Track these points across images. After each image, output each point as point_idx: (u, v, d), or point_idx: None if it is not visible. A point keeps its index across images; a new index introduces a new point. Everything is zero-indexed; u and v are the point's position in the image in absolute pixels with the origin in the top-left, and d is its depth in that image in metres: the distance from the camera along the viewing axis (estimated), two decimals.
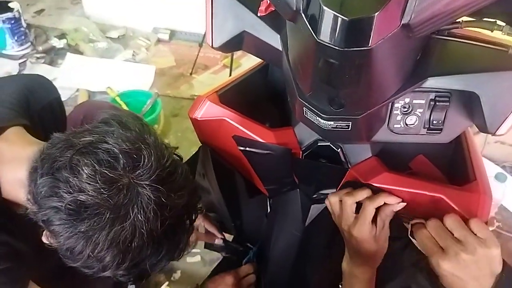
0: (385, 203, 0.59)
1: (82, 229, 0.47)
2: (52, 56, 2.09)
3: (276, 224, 0.80)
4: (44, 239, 0.54)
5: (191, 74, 1.97)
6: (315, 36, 0.37)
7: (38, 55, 2.06)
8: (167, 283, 1.26)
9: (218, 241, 1.03)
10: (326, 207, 0.71)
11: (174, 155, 0.56)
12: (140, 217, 0.48)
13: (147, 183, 0.49)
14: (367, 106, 0.48)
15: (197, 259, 1.34)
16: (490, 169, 1.41)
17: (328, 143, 0.65)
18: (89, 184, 0.47)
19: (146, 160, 0.50)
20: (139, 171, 0.49)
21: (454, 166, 0.65)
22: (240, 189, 0.82)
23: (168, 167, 0.52)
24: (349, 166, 0.65)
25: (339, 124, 0.52)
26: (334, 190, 0.67)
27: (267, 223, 0.84)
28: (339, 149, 0.65)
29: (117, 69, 1.99)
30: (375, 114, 0.51)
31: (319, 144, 0.66)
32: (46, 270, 0.70)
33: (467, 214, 0.55)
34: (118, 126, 0.52)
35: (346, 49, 0.36)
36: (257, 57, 0.65)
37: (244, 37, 0.58)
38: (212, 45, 0.59)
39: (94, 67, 1.99)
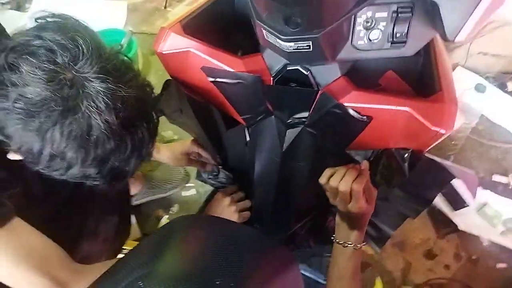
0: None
1: (35, 126, 0.49)
2: (19, 0, 1.98)
3: (256, 152, 0.81)
4: (10, 156, 0.56)
5: (165, 7, 1.88)
6: None
7: (3, 1, 1.95)
8: (166, 216, 1.33)
9: (209, 167, 1.06)
10: (301, 132, 0.73)
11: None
12: (91, 108, 0.49)
13: (92, 75, 0.50)
14: (324, 24, 0.47)
15: (193, 192, 1.39)
16: (470, 81, 1.42)
17: (297, 67, 0.65)
18: (31, 80, 0.48)
19: (84, 51, 0.50)
20: (80, 63, 0.50)
21: (422, 79, 0.65)
22: (218, 122, 0.82)
23: (113, 60, 0.52)
24: (319, 87, 0.66)
25: (299, 45, 0.51)
26: (307, 114, 0.68)
27: (249, 153, 0.85)
28: (308, 72, 0.65)
29: (87, 7, 1.89)
30: (335, 32, 0.50)
31: (288, 68, 0.66)
32: (39, 211, 0.73)
33: (434, 124, 0.56)
34: (53, 25, 0.53)
35: None
36: None
37: None
38: None
39: (64, 7, 1.89)
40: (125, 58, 0.57)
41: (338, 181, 0.69)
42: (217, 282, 0.40)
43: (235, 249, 0.49)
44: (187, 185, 1.38)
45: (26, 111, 0.48)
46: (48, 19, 0.54)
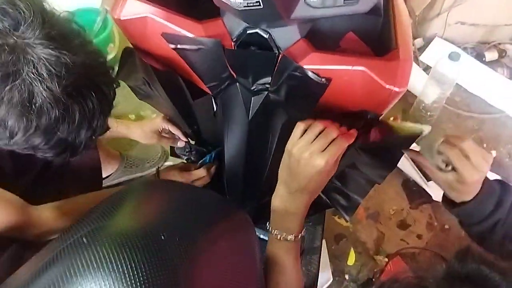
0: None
1: None
2: None
3: (224, 122, 0.81)
4: None
5: None
6: None
7: None
8: None
9: (181, 144, 1.06)
10: (265, 98, 0.73)
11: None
12: (32, 75, 0.48)
13: (35, 40, 0.49)
14: None
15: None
16: (445, 49, 1.42)
17: (256, 30, 0.65)
18: None
19: (26, 16, 0.49)
20: (22, 28, 0.49)
21: (381, 39, 0.65)
22: (186, 92, 0.82)
23: (58, 26, 0.51)
24: (280, 51, 0.65)
25: (249, 1, 0.50)
26: (270, 79, 0.68)
27: (218, 123, 0.85)
28: (268, 35, 0.64)
29: None
30: None
31: (248, 32, 0.65)
32: (11, 189, 0.72)
33: (387, 82, 0.57)
34: None
35: None
36: None
37: None
38: None
39: None
40: (74, 25, 0.56)
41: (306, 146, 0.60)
42: (162, 237, 0.41)
43: (192, 209, 0.50)
44: (165, 163, 1.38)
45: None
46: None
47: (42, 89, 0.49)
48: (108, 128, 0.62)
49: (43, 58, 0.49)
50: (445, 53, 1.29)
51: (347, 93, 0.63)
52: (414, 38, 1.59)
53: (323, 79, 0.62)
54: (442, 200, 0.69)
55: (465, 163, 0.58)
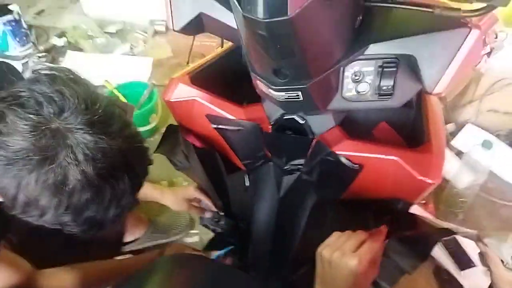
0: None
1: (12, 173, 0.50)
2: (53, 54, 2.15)
3: (255, 198, 0.84)
4: None
5: (187, 63, 1.99)
6: (241, 11, 0.40)
7: (39, 55, 2.12)
8: None
9: (208, 214, 1.08)
10: (297, 179, 0.75)
11: (114, 106, 0.58)
12: (69, 160, 0.50)
13: (76, 126, 0.51)
14: (311, 75, 0.51)
15: (196, 239, 1.39)
16: (479, 138, 1.42)
17: (293, 116, 0.69)
18: (15, 129, 0.49)
19: (71, 103, 0.51)
20: (64, 114, 0.51)
21: (414, 131, 0.68)
22: (221, 167, 0.86)
23: (101, 112, 0.53)
24: (314, 136, 0.69)
25: (290, 94, 0.55)
26: (303, 161, 0.71)
27: (249, 198, 0.88)
28: (304, 121, 0.69)
29: (115, 63, 2.04)
30: (323, 83, 0.54)
31: (285, 117, 0.70)
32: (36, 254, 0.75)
33: (420, 174, 0.58)
34: (45, 77, 0.54)
35: (267, 20, 0.39)
36: (221, 37, 0.69)
37: (203, 19, 0.62)
38: (173, 28, 0.63)
39: (94, 63, 2.05)
40: (117, 109, 0.58)
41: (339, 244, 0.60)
42: None
43: None
44: (191, 231, 1.39)
45: (6, 158, 0.50)
46: (42, 71, 0.56)
47: (77, 172, 0.50)
48: (137, 205, 0.63)
49: (81, 143, 0.50)
50: (477, 139, 1.30)
51: (379, 181, 0.65)
52: (447, 123, 1.61)
53: (355, 165, 0.64)
54: None
55: None
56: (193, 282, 0.49)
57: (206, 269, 0.54)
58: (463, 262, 1.17)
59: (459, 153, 1.51)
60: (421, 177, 0.57)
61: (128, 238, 1.31)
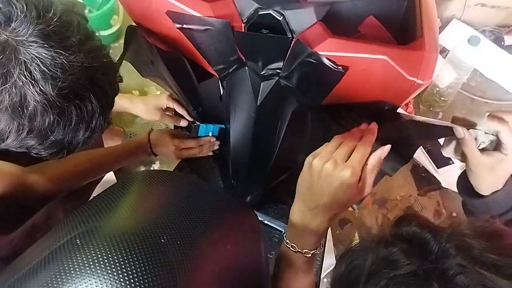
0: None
1: None
2: None
3: (231, 106, 0.78)
4: None
5: None
6: None
7: None
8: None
9: (184, 123, 1.04)
10: (275, 84, 0.68)
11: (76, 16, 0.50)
12: (24, 78, 0.44)
13: (29, 38, 0.44)
14: None
15: None
16: (465, 34, 1.35)
17: (269, 11, 0.60)
18: None
19: (19, 10, 0.44)
20: (14, 24, 0.44)
21: (405, 26, 0.60)
22: (192, 75, 0.78)
23: (56, 21, 0.46)
24: (293, 34, 0.61)
25: None
26: (281, 64, 0.64)
27: (224, 106, 0.82)
28: (282, 17, 0.60)
29: None
30: None
31: (260, 13, 0.61)
32: None
33: (410, 74, 0.53)
34: None
35: None
36: None
37: None
38: None
39: None
40: (75, 17, 0.50)
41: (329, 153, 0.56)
42: (162, 240, 0.38)
43: (195, 208, 0.47)
44: None
45: None
46: None
47: (35, 92, 0.45)
48: (108, 125, 0.58)
49: (36, 59, 0.44)
50: (463, 36, 1.23)
51: (365, 83, 0.59)
52: None
53: (339, 67, 0.57)
54: (459, 189, 0.64)
55: None
56: (168, 203, 0.46)
57: (184, 189, 0.51)
58: (440, 160, 1.19)
59: (443, 51, 1.45)
60: (411, 78, 0.52)
61: None
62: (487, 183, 0.57)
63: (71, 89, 0.47)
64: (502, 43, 1.46)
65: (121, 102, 1.10)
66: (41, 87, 0.45)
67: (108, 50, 0.54)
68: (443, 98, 1.30)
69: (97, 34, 0.54)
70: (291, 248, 0.60)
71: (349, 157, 0.55)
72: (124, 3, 0.64)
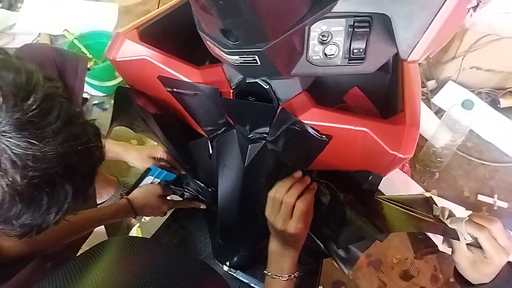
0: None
1: None
2: (11, 0, 1.96)
3: (219, 166, 0.78)
4: None
5: None
6: None
7: None
8: (138, 224, 1.29)
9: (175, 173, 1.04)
10: (262, 148, 0.69)
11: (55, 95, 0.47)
12: None
13: (1, 128, 0.42)
14: (266, 37, 0.43)
15: None
16: (461, 96, 1.38)
17: (256, 80, 0.61)
18: None
19: None
20: None
21: (388, 98, 0.61)
22: (182, 134, 0.79)
23: (34, 109, 0.43)
24: (279, 102, 0.62)
25: (245, 59, 0.47)
26: (268, 129, 0.64)
27: (213, 165, 0.82)
28: (268, 86, 0.61)
29: (78, 10, 1.87)
30: (284, 45, 0.46)
31: (247, 81, 0.62)
32: None
33: (391, 148, 0.53)
34: None
35: None
36: None
37: None
38: None
39: (55, 9, 1.87)
40: (59, 100, 0.47)
41: (284, 192, 0.69)
42: None
43: (168, 283, 0.46)
44: None
45: None
46: None
47: (3, 182, 0.42)
48: (86, 203, 0.54)
49: (7, 148, 0.42)
50: (458, 97, 1.25)
51: (348, 152, 0.59)
52: (428, 79, 1.54)
53: (323, 136, 0.58)
54: (454, 275, 0.64)
55: (495, 244, 0.55)
56: (142, 273, 0.44)
57: (157, 259, 0.50)
58: None
59: (439, 111, 1.47)
60: (392, 151, 0.52)
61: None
62: (471, 275, 0.59)
63: (43, 177, 0.44)
64: (498, 105, 1.48)
65: (116, 149, 1.11)
66: (10, 178, 0.42)
67: (92, 130, 0.51)
68: (439, 159, 1.30)
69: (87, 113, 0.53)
70: (280, 278, 0.70)
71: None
72: (118, 67, 0.66)
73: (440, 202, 1.29)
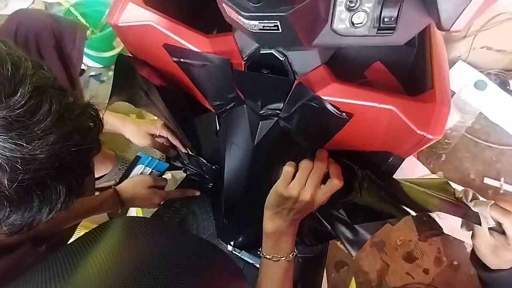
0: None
1: None
2: None
3: (226, 143, 0.74)
4: None
5: None
6: None
7: None
8: None
9: (172, 153, 1.00)
10: (274, 125, 0.65)
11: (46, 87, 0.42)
12: None
13: None
14: (290, 0, 0.38)
15: (168, 177, 1.31)
16: (470, 77, 1.33)
17: (271, 51, 0.57)
18: None
19: None
20: None
21: (414, 74, 0.57)
22: (188, 109, 0.74)
23: (22, 105, 0.39)
24: (296, 76, 0.57)
25: (266, 25, 0.42)
26: (281, 105, 0.60)
27: (220, 142, 0.78)
28: (284, 58, 0.56)
29: None
30: (309, 11, 0.42)
31: (261, 52, 0.57)
32: None
33: (419, 128, 0.49)
34: None
35: None
36: None
37: None
38: None
39: None
40: (51, 92, 0.42)
41: (299, 188, 0.64)
42: None
43: (173, 261, 0.42)
44: None
45: None
46: None
47: None
48: (80, 197, 0.50)
49: None
50: (468, 78, 1.21)
51: (369, 132, 0.55)
52: None
53: (343, 114, 0.54)
54: (471, 259, 0.62)
55: None
56: (145, 257, 0.41)
57: (160, 238, 0.46)
58: None
59: None
60: (420, 132, 0.48)
61: None
62: (490, 261, 0.57)
63: (33, 180, 0.41)
64: (508, 87, 1.44)
65: (112, 121, 1.04)
66: None
67: (88, 122, 0.47)
68: (446, 141, 1.26)
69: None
70: (272, 259, 0.66)
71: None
72: (120, 34, 0.61)
73: None
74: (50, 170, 0.42)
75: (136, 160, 0.99)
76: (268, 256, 0.67)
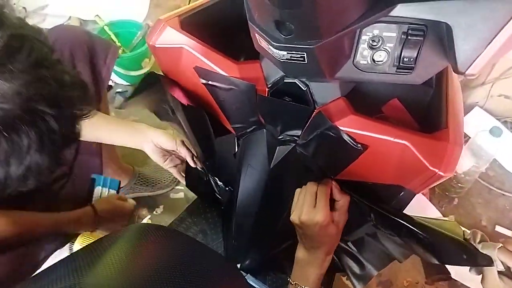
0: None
1: None
2: None
3: (243, 165, 0.76)
4: None
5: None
6: None
7: None
8: (149, 216, 1.28)
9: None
10: (291, 151, 0.67)
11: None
12: None
13: None
14: (320, 35, 0.41)
15: (181, 195, 1.34)
16: (486, 123, 1.35)
17: (295, 80, 0.60)
18: None
19: None
20: None
21: (429, 113, 0.60)
22: (209, 128, 0.78)
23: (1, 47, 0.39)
24: (316, 106, 0.61)
25: (293, 55, 0.46)
26: (299, 132, 0.63)
27: (236, 164, 0.80)
28: (306, 88, 0.60)
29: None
30: (334, 46, 0.45)
31: (285, 81, 0.61)
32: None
33: (432, 164, 0.51)
34: None
35: None
36: None
37: None
38: None
39: None
40: (32, 45, 0.42)
41: (300, 212, 0.65)
42: None
43: (185, 275, 0.44)
44: (176, 187, 1.33)
45: None
46: None
47: None
48: (57, 167, 0.49)
49: None
50: (484, 124, 1.22)
51: (383, 165, 0.57)
52: None
53: (358, 145, 0.56)
54: None
55: None
56: (158, 263, 0.43)
57: (175, 248, 0.48)
58: None
59: (464, 136, 1.45)
60: (432, 168, 0.50)
61: None
62: None
63: (2, 118, 0.40)
64: None
65: (137, 126, 0.94)
66: None
67: (69, 79, 0.46)
68: (460, 185, 1.26)
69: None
70: (296, 286, 0.67)
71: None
72: (155, 53, 0.65)
73: None
74: (21, 112, 0.41)
75: (92, 184, 1.00)
76: (292, 283, 0.69)
